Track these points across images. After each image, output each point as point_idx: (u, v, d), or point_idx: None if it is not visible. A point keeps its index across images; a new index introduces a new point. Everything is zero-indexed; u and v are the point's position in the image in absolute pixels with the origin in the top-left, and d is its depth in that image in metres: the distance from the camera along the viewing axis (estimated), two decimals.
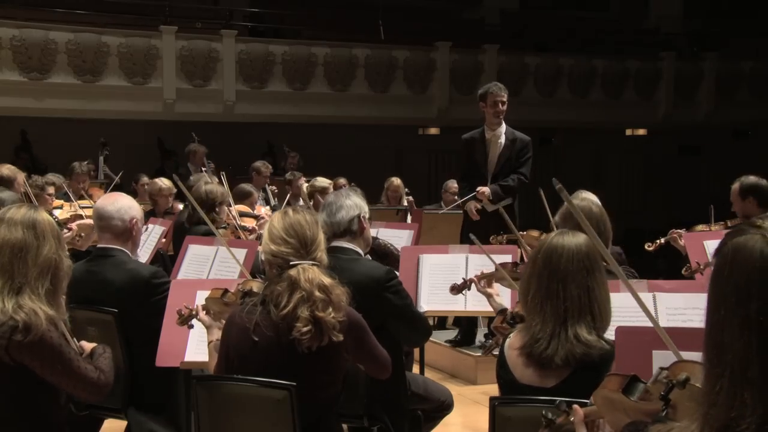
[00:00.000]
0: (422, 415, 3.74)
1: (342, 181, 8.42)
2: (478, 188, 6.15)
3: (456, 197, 7.03)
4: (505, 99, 6.24)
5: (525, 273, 2.63)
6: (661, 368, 1.64)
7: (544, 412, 1.89)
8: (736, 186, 5.24)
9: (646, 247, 5.31)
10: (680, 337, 2.19)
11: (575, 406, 1.85)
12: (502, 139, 6.26)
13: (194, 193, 5.48)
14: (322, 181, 7.27)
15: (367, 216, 3.55)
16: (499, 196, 6.09)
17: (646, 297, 3.28)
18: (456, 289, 3.90)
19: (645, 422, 1.56)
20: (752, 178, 5.24)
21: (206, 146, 10.23)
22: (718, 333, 1.32)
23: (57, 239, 2.70)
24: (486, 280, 3.69)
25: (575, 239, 2.55)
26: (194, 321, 3.19)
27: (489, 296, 3.64)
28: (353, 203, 3.50)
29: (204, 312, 3.14)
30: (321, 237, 2.84)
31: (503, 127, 6.28)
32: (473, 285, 3.75)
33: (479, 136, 6.31)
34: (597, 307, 2.49)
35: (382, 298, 3.36)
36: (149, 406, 3.52)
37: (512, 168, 6.24)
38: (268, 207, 8.35)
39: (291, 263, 2.72)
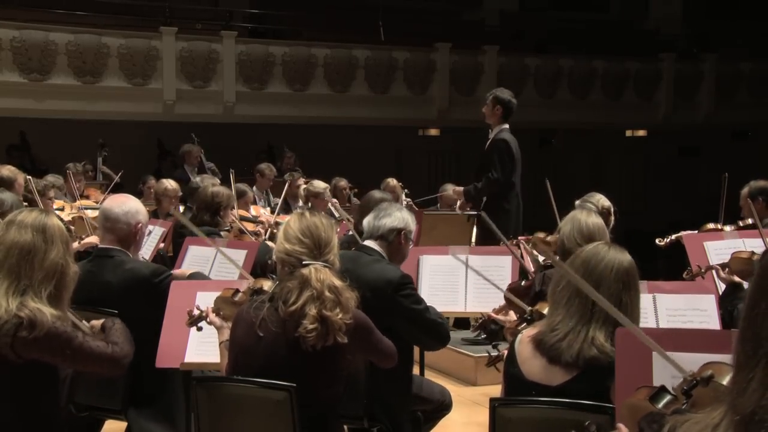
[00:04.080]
0: (422, 416, 3.75)
1: (343, 183, 8.42)
2: (455, 188, 6.69)
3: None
4: (486, 102, 6.67)
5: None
6: (690, 371, 1.65)
7: None
8: (745, 191, 5.31)
9: (657, 242, 5.38)
10: (681, 338, 2.19)
11: (620, 425, 1.85)
12: (489, 141, 6.62)
13: (200, 194, 5.48)
14: (317, 185, 7.27)
15: (410, 235, 3.61)
16: (468, 197, 6.48)
17: (646, 298, 3.28)
18: (479, 328, 3.83)
19: (663, 414, 1.57)
20: (761, 183, 5.35)
21: (206, 147, 10.22)
22: (758, 327, 1.34)
23: (65, 245, 2.71)
24: (502, 312, 3.64)
25: (620, 255, 2.57)
26: (203, 323, 3.20)
27: (508, 323, 3.62)
28: (402, 217, 3.57)
29: (214, 314, 3.15)
30: (335, 241, 2.88)
31: (497, 129, 6.58)
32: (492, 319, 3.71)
33: None
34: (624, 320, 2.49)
35: (393, 300, 3.38)
36: (149, 407, 3.51)
37: (485, 168, 6.49)
38: (268, 209, 8.36)
39: (303, 263, 2.75)
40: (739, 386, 1.33)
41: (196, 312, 3.18)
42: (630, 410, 1.80)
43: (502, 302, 3.68)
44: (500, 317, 3.40)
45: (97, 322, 2.82)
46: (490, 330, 3.89)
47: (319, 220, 2.86)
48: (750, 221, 5.31)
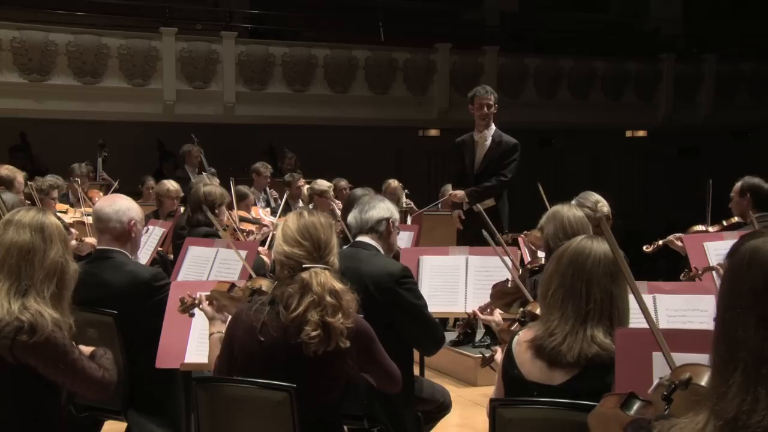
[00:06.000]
0: (422, 416, 3.75)
1: (343, 183, 8.42)
2: (452, 192, 6.37)
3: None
4: (491, 102, 6.35)
5: (547, 270, 2.63)
6: (661, 377, 1.64)
7: None
8: (738, 184, 5.31)
9: (644, 249, 5.37)
10: (680, 338, 2.19)
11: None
12: (489, 141, 6.39)
13: (193, 194, 5.47)
14: (321, 184, 7.27)
15: (396, 223, 3.67)
16: (476, 197, 6.15)
17: (646, 298, 3.28)
18: (462, 327, 3.88)
19: (648, 419, 1.56)
20: (756, 179, 5.29)
21: (206, 148, 10.22)
22: (732, 330, 1.34)
23: (64, 243, 2.70)
24: (488, 309, 3.67)
25: (603, 246, 2.56)
26: (195, 310, 3.19)
27: (494, 323, 3.64)
28: (386, 207, 3.65)
29: (207, 303, 3.14)
30: (334, 241, 2.82)
31: (492, 129, 6.40)
32: (477, 317, 3.72)
33: (469, 139, 6.47)
34: (617, 313, 2.49)
35: (394, 292, 3.40)
36: (149, 408, 3.51)
37: (495, 170, 6.33)
38: (269, 209, 8.35)
39: (303, 266, 2.70)
40: (719, 391, 1.33)
41: (188, 299, 3.17)
42: (598, 420, 1.77)
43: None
44: (485, 316, 3.42)
45: (86, 349, 2.77)
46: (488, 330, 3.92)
47: (318, 220, 2.79)
48: (735, 220, 5.35)
